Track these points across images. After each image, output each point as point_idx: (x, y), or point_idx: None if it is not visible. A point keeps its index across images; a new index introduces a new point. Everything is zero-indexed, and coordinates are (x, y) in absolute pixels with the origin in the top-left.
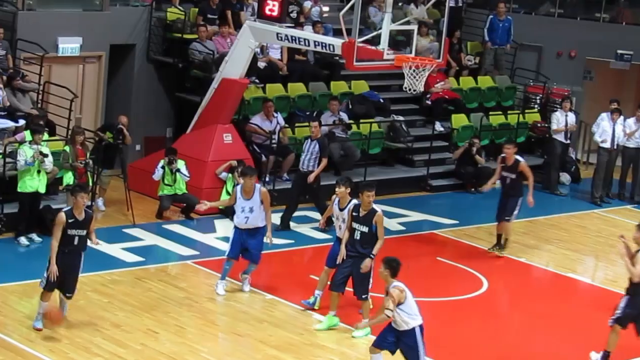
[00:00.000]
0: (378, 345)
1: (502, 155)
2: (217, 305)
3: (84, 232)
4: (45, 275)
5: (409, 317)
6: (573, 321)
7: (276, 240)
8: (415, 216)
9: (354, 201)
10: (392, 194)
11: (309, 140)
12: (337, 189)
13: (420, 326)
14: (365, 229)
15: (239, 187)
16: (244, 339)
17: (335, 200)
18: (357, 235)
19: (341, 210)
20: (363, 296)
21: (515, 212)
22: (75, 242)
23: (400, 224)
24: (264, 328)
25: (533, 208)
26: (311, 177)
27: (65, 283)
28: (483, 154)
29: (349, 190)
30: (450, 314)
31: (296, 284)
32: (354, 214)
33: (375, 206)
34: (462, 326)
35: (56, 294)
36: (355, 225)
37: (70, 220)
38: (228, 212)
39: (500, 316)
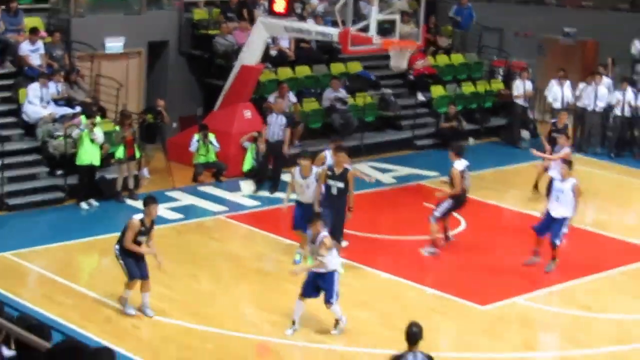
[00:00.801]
0: (306, 294)
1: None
2: (245, 250)
3: (147, 238)
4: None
5: (332, 262)
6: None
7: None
8: (404, 171)
9: (328, 165)
10: (385, 153)
11: (274, 114)
12: (302, 161)
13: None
14: (341, 185)
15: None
16: (269, 278)
17: (297, 171)
18: (334, 191)
19: (304, 178)
20: (341, 239)
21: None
22: None
23: (392, 177)
24: (285, 268)
25: (500, 159)
26: (285, 148)
27: (141, 271)
28: (461, 118)
29: (310, 162)
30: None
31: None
32: (329, 173)
33: (346, 165)
34: (446, 257)
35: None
36: (331, 182)
37: (142, 228)
38: (253, 175)
39: (478, 248)
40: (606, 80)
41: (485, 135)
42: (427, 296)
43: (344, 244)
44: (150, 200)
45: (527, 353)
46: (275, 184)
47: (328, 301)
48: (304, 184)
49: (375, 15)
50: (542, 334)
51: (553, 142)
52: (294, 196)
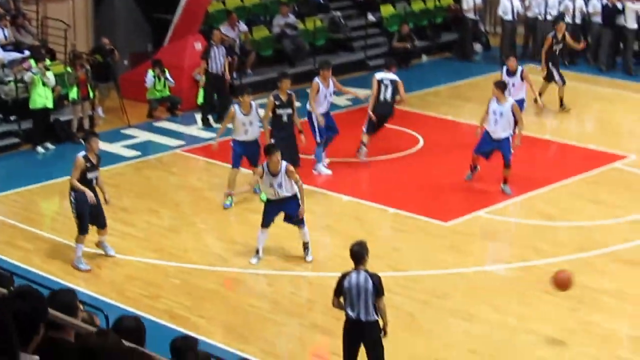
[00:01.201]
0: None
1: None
2: (204, 183)
3: (98, 173)
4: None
5: (292, 187)
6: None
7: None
8: (359, 92)
9: (273, 94)
10: (338, 75)
11: (214, 46)
12: (242, 98)
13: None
14: (289, 111)
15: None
16: (231, 210)
17: (237, 108)
18: (285, 118)
19: (246, 115)
20: (298, 164)
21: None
22: (94, 184)
23: (347, 99)
24: (246, 198)
25: (454, 74)
26: (227, 76)
27: (98, 219)
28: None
29: (251, 97)
30: (395, 168)
31: None
32: (276, 102)
33: (289, 91)
34: (406, 176)
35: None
36: (280, 111)
37: (88, 165)
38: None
39: (437, 164)
40: None
41: (438, 52)
42: (389, 216)
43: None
44: (89, 135)
45: (493, 266)
46: (222, 116)
47: (301, 223)
48: (246, 121)
49: None
50: (505, 246)
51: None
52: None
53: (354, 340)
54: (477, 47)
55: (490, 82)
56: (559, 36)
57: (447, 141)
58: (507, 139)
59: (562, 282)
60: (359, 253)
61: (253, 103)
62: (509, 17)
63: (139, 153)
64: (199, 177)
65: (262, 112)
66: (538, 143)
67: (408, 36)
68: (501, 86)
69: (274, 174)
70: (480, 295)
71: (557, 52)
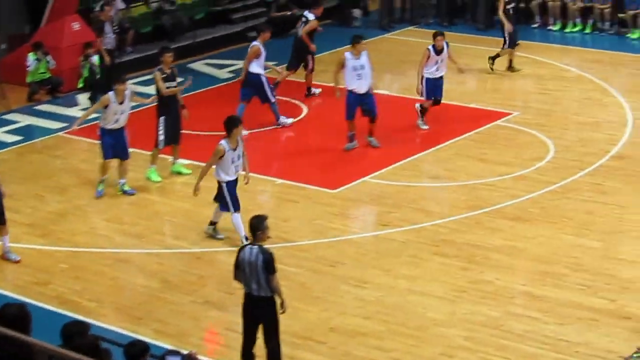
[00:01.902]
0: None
1: None
2: (89, 164)
3: None
4: None
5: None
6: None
7: None
8: (240, 64)
9: (157, 68)
10: (219, 49)
11: (106, 23)
12: (118, 86)
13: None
14: (174, 84)
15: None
16: (117, 189)
17: (112, 96)
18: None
19: (119, 104)
20: (180, 140)
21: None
22: None
23: (229, 72)
24: (134, 177)
25: (336, 41)
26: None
27: None
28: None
29: (126, 86)
30: (280, 139)
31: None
32: (163, 75)
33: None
34: (290, 146)
35: None
36: (170, 84)
37: None
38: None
39: (322, 132)
40: None
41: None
42: (277, 187)
43: None
44: None
45: (383, 231)
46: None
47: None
48: (118, 110)
49: None
50: (395, 209)
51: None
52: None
53: (250, 315)
54: (356, 12)
55: (369, 47)
56: None
57: (331, 109)
58: (371, 92)
59: None
60: (253, 226)
61: (127, 92)
62: None
63: (21, 138)
64: (84, 159)
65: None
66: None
67: (286, 5)
68: (355, 39)
69: (235, 148)
70: (371, 260)
71: (511, 12)
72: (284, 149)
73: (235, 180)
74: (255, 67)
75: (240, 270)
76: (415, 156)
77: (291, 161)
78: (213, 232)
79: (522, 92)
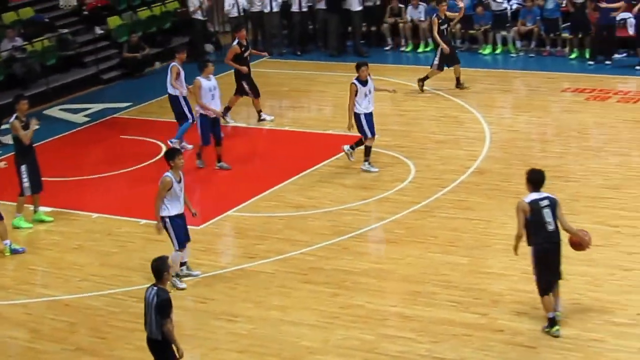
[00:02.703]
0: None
1: None
2: None
3: None
4: None
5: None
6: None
7: None
8: (96, 107)
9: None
10: (73, 93)
11: None
12: None
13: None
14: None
15: None
16: None
17: None
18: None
19: None
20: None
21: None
22: None
23: (85, 116)
24: None
25: (193, 76)
26: None
27: None
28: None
29: None
30: (141, 178)
31: None
32: (22, 124)
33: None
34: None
35: None
36: (27, 132)
37: None
38: None
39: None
40: None
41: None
42: (141, 227)
43: None
44: None
45: (251, 263)
46: None
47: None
48: None
49: None
50: (261, 241)
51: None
52: None
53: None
54: (209, 47)
55: (223, 81)
56: (442, 16)
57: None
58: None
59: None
60: (157, 269)
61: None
62: (234, 12)
63: None
64: None
65: None
66: (278, 134)
67: (138, 45)
68: (201, 65)
69: (179, 180)
70: (241, 294)
71: (445, 32)
72: (146, 188)
73: (182, 215)
74: (171, 88)
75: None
76: (278, 186)
77: (153, 201)
78: (187, 270)
79: (379, 115)
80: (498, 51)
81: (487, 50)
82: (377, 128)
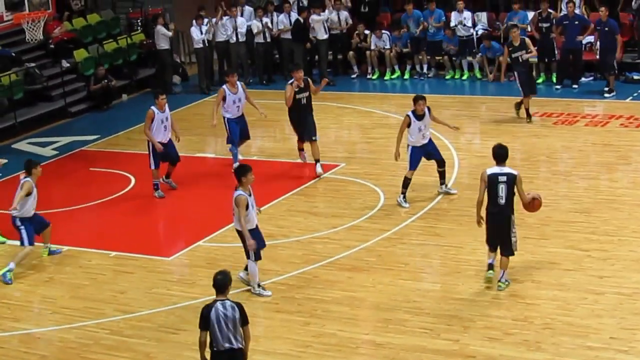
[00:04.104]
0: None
1: None
2: None
3: None
4: None
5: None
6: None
7: None
8: (64, 140)
9: None
10: (41, 127)
11: None
12: None
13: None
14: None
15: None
16: None
17: None
18: None
19: None
20: None
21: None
22: None
23: (53, 149)
24: None
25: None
26: None
27: None
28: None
29: None
30: (111, 211)
31: None
32: None
33: None
34: (122, 217)
35: None
36: None
37: None
38: None
39: (152, 201)
40: (247, 9)
41: (137, 89)
42: (111, 260)
43: None
44: None
45: None
46: None
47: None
48: None
49: None
50: (232, 271)
51: (516, 61)
52: None
53: None
54: (176, 78)
55: (191, 112)
56: (515, 43)
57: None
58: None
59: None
60: (219, 282)
61: None
62: (200, 45)
63: None
64: None
65: None
66: (251, 164)
67: (104, 77)
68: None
69: (250, 194)
70: None
71: (519, 60)
72: (116, 220)
73: (257, 229)
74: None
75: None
76: None
77: (124, 232)
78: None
79: (347, 143)
80: (464, 77)
81: (450, 75)
82: (344, 156)
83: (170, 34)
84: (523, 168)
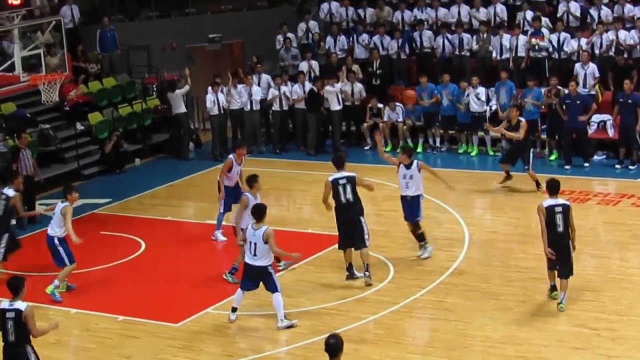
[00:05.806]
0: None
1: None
2: None
3: None
4: None
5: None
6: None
7: None
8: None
9: None
10: (54, 188)
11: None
12: None
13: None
14: None
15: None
16: None
17: None
18: None
19: None
20: None
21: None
22: None
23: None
24: None
25: (171, 174)
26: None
27: None
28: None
29: None
30: (120, 275)
31: None
32: None
33: None
34: (131, 282)
35: None
36: None
37: None
38: None
39: (162, 266)
40: (264, 77)
41: (151, 153)
42: (119, 324)
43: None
44: None
45: None
46: None
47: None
48: None
49: (18, 53)
50: (239, 339)
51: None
52: None
53: None
54: (190, 144)
55: (204, 178)
56: (513, 122)
57: (169, 242)
58: None
59: None
60: (332, 345)
61: None
62: (215, 111)
63: None
64: None
65: None
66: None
67: (118, 141)
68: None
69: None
70: None
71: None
72: (125, 284)
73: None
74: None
75: None
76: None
77: (132, 297)
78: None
79: None
80: (473, 153)
81: (468, 150)
82: None
83: (187, 87)
84: (534, 245)
